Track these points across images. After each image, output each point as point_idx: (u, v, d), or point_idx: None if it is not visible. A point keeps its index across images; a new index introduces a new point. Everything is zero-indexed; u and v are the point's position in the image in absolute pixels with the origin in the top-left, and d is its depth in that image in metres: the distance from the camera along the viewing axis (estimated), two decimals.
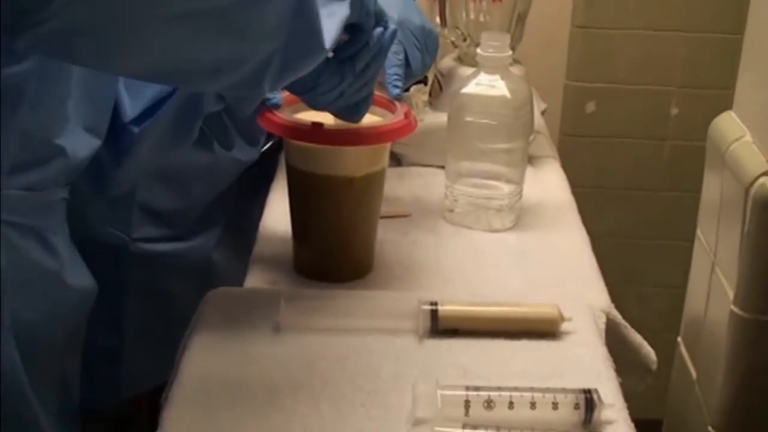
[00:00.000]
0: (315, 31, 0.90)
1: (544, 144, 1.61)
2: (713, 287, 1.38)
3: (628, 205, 2.22)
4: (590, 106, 2.22)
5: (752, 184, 1.27)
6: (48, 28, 0.75)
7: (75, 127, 1.03)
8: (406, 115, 1.16)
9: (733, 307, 1.28)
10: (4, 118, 0.92)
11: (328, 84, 1.02)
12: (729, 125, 1.45)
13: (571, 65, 2.20)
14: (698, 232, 1.50)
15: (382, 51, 1.04)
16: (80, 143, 1.04)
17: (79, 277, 1.09)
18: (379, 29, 1.03)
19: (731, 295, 1.30)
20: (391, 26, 1.04)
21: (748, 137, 1.36)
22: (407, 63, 1.25)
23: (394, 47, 1.23)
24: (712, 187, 1.48)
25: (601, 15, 2.16)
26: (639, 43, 2.16)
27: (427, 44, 1.28)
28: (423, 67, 1.28)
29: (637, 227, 2.23)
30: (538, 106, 1.70)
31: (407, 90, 1.46)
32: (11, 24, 0.74)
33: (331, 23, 0.94)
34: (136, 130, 1.12)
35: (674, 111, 2.13)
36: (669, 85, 2.16)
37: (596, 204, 2.08)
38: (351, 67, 1.02)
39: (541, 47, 2.00)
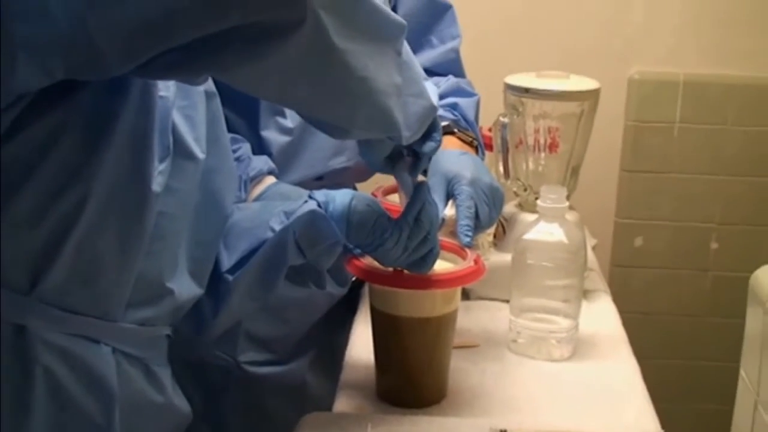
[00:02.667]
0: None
1: (596, 279, 1.62)
2: (756, 424, 1.36)
3: (673, 328, 2.22)
4: (638, 241, 2.24)
5: None
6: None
7: (183, 272, 1.07)
8: (476, 261, 1.20)
9: None
10: (139, 262, 0.98)
11: (392, 239, 1.09)
12: None
13: (620, 204, 2.23)
14: (741, 371, 1.50)
15: (426, 202, 1.11)
16: (186, 287, 1.08)
17: (177, 404, 1.12)
18: (422, 183, 1.10)
19: None
20: (425, 179, 1.11)
21: None
22: (477, 216, 1.28)
23: (466, 202, 1.28)
24: (753, 327, 1.48)
25: (646, 160, 2.19)
26: (681, 184, 2.18)
27: (495, 200, 1.32)
28: (490, 221, 1.33)
29: (683, 348, 2.21)
30: (590, 243, 1.72)
31: None
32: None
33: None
34: (230, 278, 1.15)
35: (714, 246, 2.13)
36: (709, 222, 2.18)
37: (642, 320, 2.09)
38: (405, 220, 1.10)
39: (593, 187, 2.02)
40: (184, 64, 0.83)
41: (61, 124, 0.89)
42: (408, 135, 1.01)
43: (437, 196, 1.30)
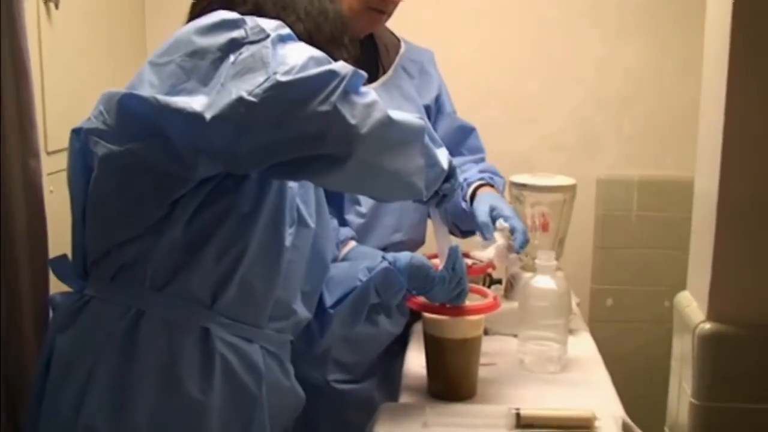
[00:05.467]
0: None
1: (578, 321, 1.93)
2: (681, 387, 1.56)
3: (637, 365, 2.43)
4: (609, 301, 2.51)
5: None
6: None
7: (299, 300, 1.40)
8: (495, 299, 1.55)
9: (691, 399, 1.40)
10: (277, 291, 1.32)
11: (438, 284, 1.46)
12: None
13: (594, 273, 2.51)
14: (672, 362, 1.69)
15: (458, 259, 1.45)
16: (302, 311, 1.41)
17: (297, 389, 1.43)
18: (455, 246, 1.46)
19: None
20: (458, 245, 1.48)
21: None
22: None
23: (513, 219, 1.63)
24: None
25: (613, 238, 2.47)
26: (639, 257, 2.46)
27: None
28: (524, 237, 1.66)
29: (644, 383, 2.38)
30: (574, 300, 2.02)
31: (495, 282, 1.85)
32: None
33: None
34: (332, 311, 1.48)
35: (666, 304, 2.35)
36: (661, 286, 2.42)
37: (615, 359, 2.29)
38: (446, 270, 1.45)
39: (574, 260, 2.27)
40: (288, 171, 1.21)
41: (232, 203, 1.26)
42: (427, 193, 1.35)
43: (483, 217, 1.62)
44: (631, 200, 2.46)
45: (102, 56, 2.13)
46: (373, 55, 1.81)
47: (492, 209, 1.66)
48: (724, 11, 1.18)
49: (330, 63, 1.17)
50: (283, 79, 1.12)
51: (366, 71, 1.67)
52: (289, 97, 1.12)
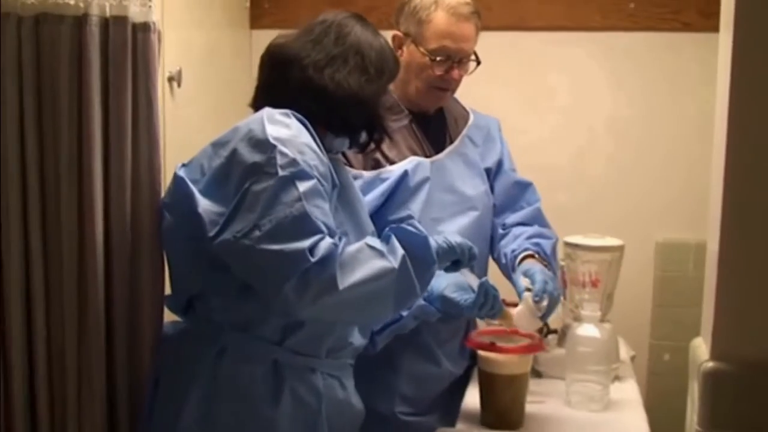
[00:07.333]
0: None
1: (626, 369, 2.11)
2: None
3: None
4: (666, 357, 2.67)
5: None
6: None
7: (356, 332, 1.65)
8: (539, 341, 1.79)
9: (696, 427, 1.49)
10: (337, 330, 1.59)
11: (468, 311, 1.67)
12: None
13: (653, 328, 2.69)
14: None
15: (488, 288, 1.65)
16: (359, 339, 1.65)
17: (355, 402, 1.66)
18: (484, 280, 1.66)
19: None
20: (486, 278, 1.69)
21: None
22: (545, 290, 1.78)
23: (539, 278, 1.77)
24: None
25: (672, 295, 2.62)
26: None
27: (554, 286, 1.81)
28: (550, 293, 1.77)
29: None
30: (627, 352, 2.21)
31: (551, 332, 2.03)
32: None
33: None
34: (378, 338, 1.74)
35: None
36: None
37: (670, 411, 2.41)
38: (477, 302, 1.65)
39: (634, 317, 2.47)
40: None
41: None
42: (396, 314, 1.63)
43: (520, 288, 1.77)
44: (687, 262, 2.64)
45: (217, 123, 2.49)
46: (442, 127, 2.05)
47: (527, 270, 1.81)
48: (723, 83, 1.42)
49: (314, 226, 1.40)
50: (258, 246, 1.38)
51: (435, 142, 1.98)
52: (255, 261, 1.41)
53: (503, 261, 1.98)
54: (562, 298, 2.09)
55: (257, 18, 2.81)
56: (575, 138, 2.80)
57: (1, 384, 1.54)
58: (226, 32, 2.70)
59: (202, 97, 2.38)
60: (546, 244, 1.96)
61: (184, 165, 1.57)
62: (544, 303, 1.73)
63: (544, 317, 1.76)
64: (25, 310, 1.54)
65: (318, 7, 2.72)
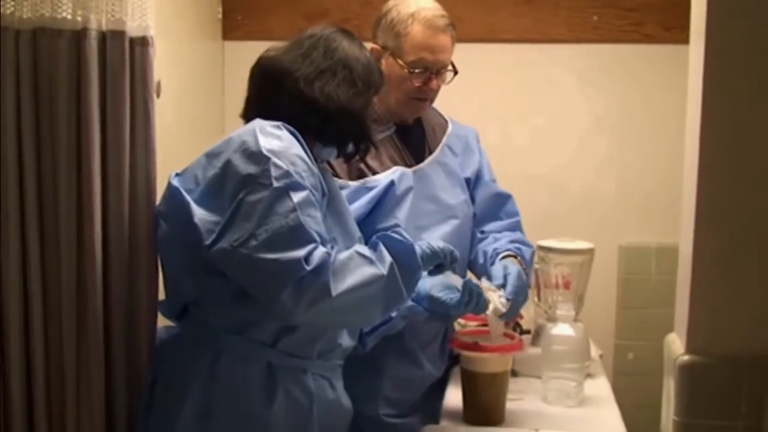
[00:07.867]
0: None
1: (597, 367, 2.20)
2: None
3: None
4: (630, 356, 2.77)
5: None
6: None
7: (345, 334, 1.71)
8: (520, 341, 1.86)
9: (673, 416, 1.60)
10: (329, 333, 1.65)
11: (454, 310, 1.73)
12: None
13: (618, 328, 2.78)
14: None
15: (472, 286, 1.72)
16: (347, 341, 1.71)
17: (344, 402, 1.72)
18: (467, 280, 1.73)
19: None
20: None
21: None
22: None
23: (515, 281, 1.84)
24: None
25: (635, 296, 2.72)
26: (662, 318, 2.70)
27: (523, 288, 1.89)
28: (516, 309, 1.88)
29: None
30: (596, 351, 2.30)
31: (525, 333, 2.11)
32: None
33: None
34: (368, 339, 1.79)
35: None
36: None
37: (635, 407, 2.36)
38: (462, 301, 1.71)
39: (600, 319, 2.55)
40: None
41: None
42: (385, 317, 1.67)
43: (498, 275, 1.84)
44: (649, 265, 2.74)
45: (191, 133, 2.54)
46: (421, 137, 2.11)
47: (506, 267, 1.88)
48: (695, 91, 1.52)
49: (309, 235, 1.46)
50: (255, 255, 1.43)
51: (415, 152, 2.05)
52: (252, 269, 1.46)
53: (481, 261, 2.04)
54: (535, 299, 2.20)
55: (230, 29, 2.85)
56: (545, 147, 2.87)
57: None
58: (199, 43, 2.74)
59: (176, 107, 2.42)
60: (526, 251, 2.04)
61: (177, 174, 1.62)
62: (506, 307, 1.79)
63: (504, 317, 1.82)
64: (23, 314, 1.58)
65: (290, 19, 2.86)
